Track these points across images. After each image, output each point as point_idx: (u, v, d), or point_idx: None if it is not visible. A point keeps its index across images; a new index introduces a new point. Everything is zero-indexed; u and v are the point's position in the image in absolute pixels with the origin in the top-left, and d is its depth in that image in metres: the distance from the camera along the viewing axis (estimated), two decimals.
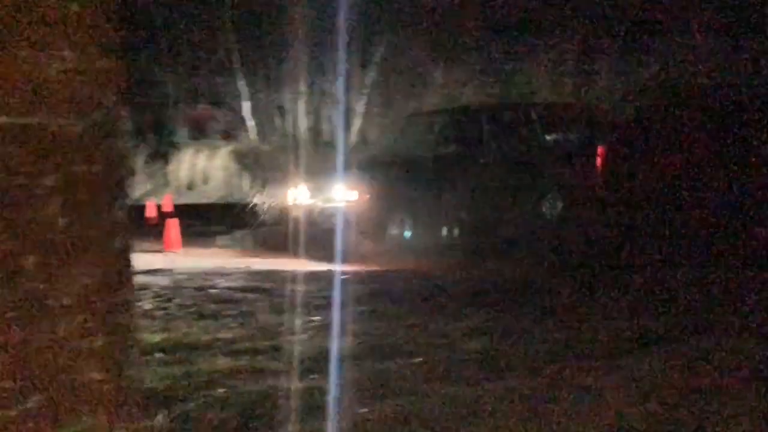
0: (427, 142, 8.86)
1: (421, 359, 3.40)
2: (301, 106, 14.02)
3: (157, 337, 3.71)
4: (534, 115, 8.75)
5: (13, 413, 1.18)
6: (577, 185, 8.52)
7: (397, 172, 8.59)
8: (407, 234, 8.49)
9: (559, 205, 8.56)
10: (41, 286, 1.22)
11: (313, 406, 2.74)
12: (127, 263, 1.39)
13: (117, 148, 1.36)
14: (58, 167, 1.23)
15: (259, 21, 13.75)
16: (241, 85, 13.67)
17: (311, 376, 3.18)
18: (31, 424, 1.21)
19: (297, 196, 8.73)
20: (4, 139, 1.17)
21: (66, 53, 1.22)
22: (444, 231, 8.23)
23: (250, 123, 13.92)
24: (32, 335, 1.21)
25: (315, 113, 13.83)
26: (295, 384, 3.06)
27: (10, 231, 1.18)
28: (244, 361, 3.46)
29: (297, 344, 3.75)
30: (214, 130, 13.79)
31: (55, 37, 1.20)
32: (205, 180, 13.56)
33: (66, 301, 1.25)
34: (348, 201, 8.35)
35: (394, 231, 8.43)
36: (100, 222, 1.31)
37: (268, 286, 5.55)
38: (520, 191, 8.31)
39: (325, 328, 4.11)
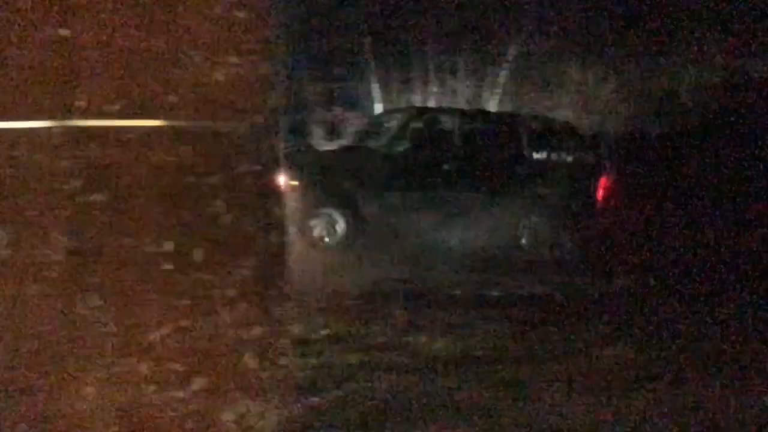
0: (381, 139, 7.91)
1: (558, 366, 3.32)
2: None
3: (296, 329, 3.86)
4: (517, 127, 8.01)
5: (181, 394, 1.27)
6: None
7: (335, 165, 7.50)
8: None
9: (540, 229, 7.71)
10: (207, 278, 1.30)
11: (446, 407, 2.74)
12: (282, 257, 1.46)
13: (275, 149, 1.44)
14: (223, 167, 1.31)
15: (392, 23, 13.94)
16: (375, 87, 13.94)
17: (441, 376, 3.18)
18: (195, 405, 1.30)
19: None
20: (177, 142, 1.27)
21: (233, 59, 1.30)
22: (386, 235, 7.20)
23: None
24: (199, 323, 1.30)
25: None
26: (427, 383, 3.07)
27: (182, 226, 1.28)
28: (377, 357, 3.52)
29: (427, 343, 3.76)
30: (348, 131, 14.16)
31: (223, 43, 1.29)
32: None
33: (228, 292, 1.33)
34: None
35: (319, 229, 7.21)
36: (259, 218, 1.39)
37: (400, 284, 5.63)
38: (491, 207, 7.50)
39: (451, 326, 4.11)
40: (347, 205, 7.23)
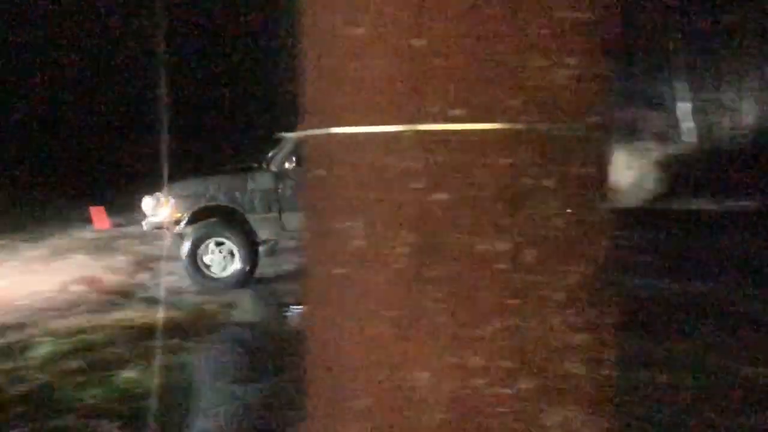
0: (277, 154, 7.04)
1: None
2: (747, 104, 12.62)
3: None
4: None
5: (508, 391, 1.30)
6: None
7: (224, 185, 6.75)
8: None
9: None
10: (537, 279, 1.31)
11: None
12: (610, 263, 1.41)
13: (605, 150, 1.39)
14: (557, 169, 1.31)
15: (700, 17, 12.80)
16: (680, 84, 12.92)
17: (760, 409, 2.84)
18: (519, 405, 1.32)
19: (155, 211, 6.99)
20: (515, 144, 1.29)
21: (573, 60, 1.28)
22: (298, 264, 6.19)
23: (688, 125, 13.06)
24: (528, 323, 1.31)
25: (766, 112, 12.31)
26: (736, 414, 2.77)
27: (516, 227, 1.30)
28: (681, 377, 3.27)
29: (736, 368, 3.40)
30: (647, 132, 13.31)
31: (565, 44, 1.28)
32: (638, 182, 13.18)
33: (556, 296, 1.32)
34: (166, 219, 6.74)
35: (210, 260, 6.77)
36: (590, 221, 1.36)
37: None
38: None
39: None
40: (239, 232, 6.85)
